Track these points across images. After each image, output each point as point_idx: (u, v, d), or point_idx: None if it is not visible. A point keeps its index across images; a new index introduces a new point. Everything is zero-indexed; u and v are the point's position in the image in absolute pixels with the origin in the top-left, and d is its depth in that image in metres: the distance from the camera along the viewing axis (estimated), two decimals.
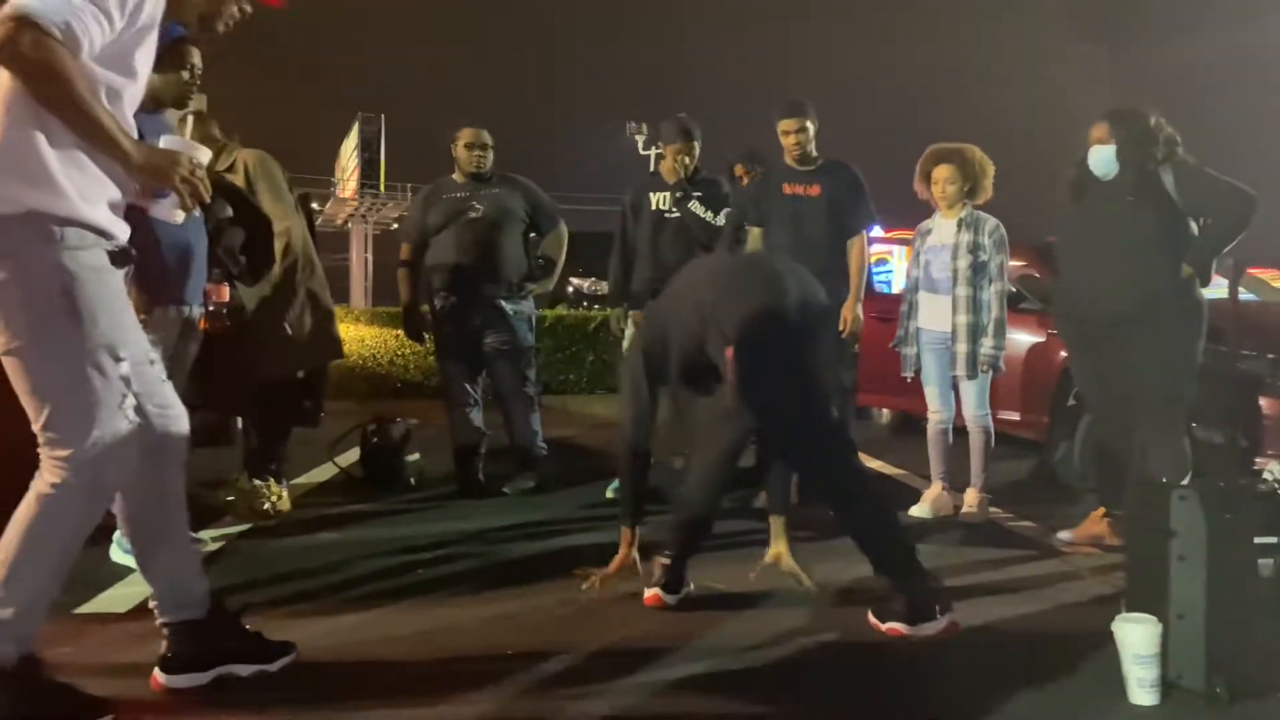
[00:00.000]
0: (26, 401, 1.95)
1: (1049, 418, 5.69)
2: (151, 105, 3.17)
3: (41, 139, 1.86)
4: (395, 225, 32.40)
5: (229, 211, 3.68)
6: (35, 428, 1.95)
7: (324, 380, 4.60)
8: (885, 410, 8.00)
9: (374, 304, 24.02)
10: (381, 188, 32.18)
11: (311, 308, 4.21)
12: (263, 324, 3.97)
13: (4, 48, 1.76)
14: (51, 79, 1.79)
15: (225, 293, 3.73)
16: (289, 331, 4.09)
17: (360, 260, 33.92)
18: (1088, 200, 3.82)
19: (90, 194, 1.93)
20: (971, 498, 4.32)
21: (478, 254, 4.76)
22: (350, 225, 33.94)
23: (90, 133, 1.88)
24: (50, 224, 1.88)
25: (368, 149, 31.55)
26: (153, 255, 3.10)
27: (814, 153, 4.50)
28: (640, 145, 30.93)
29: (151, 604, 2.24)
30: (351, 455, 5.25)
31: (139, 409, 2.02)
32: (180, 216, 2.16)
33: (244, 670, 2.24)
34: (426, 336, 5.08)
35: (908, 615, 2.70)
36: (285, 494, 4.21)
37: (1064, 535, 3.92)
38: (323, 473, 5.19)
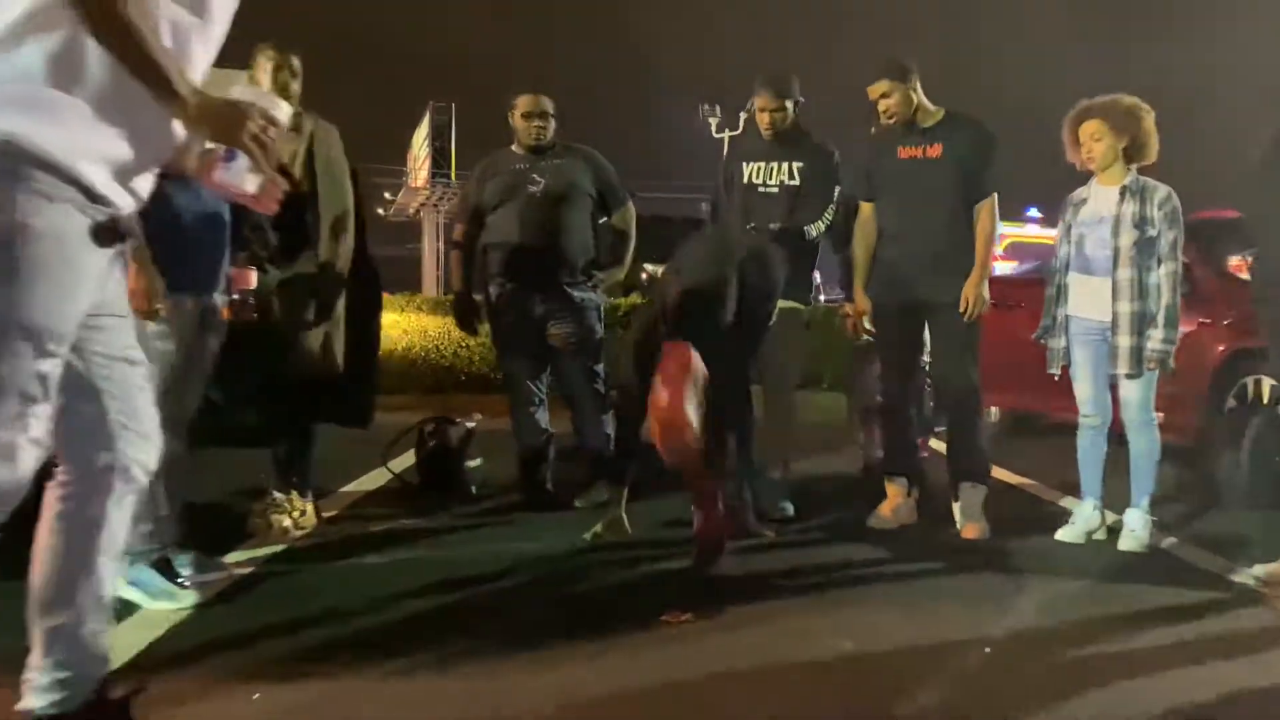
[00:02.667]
0: None
1: (1201, 421, 4.91)
2: None
3: (57, 61, 1.49)
4: None
5: None
6: None
7: (373, 376, 4.07)
8: (994, 409, 7.23)
9: (445, 293, 23.97)
10: (453, 177, 32.22)
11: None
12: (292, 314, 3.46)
13: None
14: None
15: (251, 278, 3.22)
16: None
17: (432, 249, 34.03)
18: None
19: (98, 144, 1.54)
20: (1134, 520, 3.59)
21: (539, 233, 4.16)
22: (422, 214, 34.14)
23: (137, 64, 1.52)
24: (23, 160, 1.48)
25: (439, 138, 31.69)
26: (165, 232, 2.57)
27: (930, 106, 3.83)
28: (713, 129, 30.33)
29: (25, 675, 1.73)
30: (408, 459, 4.75)
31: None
32: (254, 185, 1.76)
33: None
34: (480, 327, 4.51)
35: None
36: (310, 508, 3.69)
37: (1258, 571, 3.18)
38: (374, 479, 4.69)
